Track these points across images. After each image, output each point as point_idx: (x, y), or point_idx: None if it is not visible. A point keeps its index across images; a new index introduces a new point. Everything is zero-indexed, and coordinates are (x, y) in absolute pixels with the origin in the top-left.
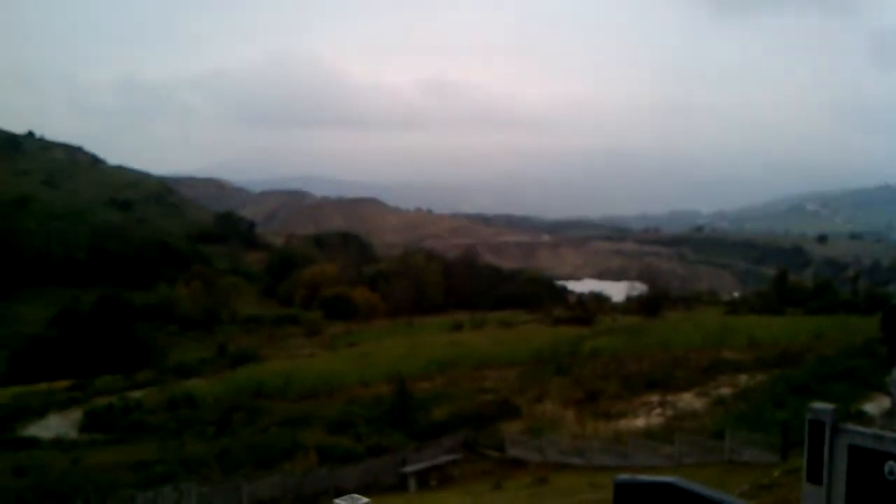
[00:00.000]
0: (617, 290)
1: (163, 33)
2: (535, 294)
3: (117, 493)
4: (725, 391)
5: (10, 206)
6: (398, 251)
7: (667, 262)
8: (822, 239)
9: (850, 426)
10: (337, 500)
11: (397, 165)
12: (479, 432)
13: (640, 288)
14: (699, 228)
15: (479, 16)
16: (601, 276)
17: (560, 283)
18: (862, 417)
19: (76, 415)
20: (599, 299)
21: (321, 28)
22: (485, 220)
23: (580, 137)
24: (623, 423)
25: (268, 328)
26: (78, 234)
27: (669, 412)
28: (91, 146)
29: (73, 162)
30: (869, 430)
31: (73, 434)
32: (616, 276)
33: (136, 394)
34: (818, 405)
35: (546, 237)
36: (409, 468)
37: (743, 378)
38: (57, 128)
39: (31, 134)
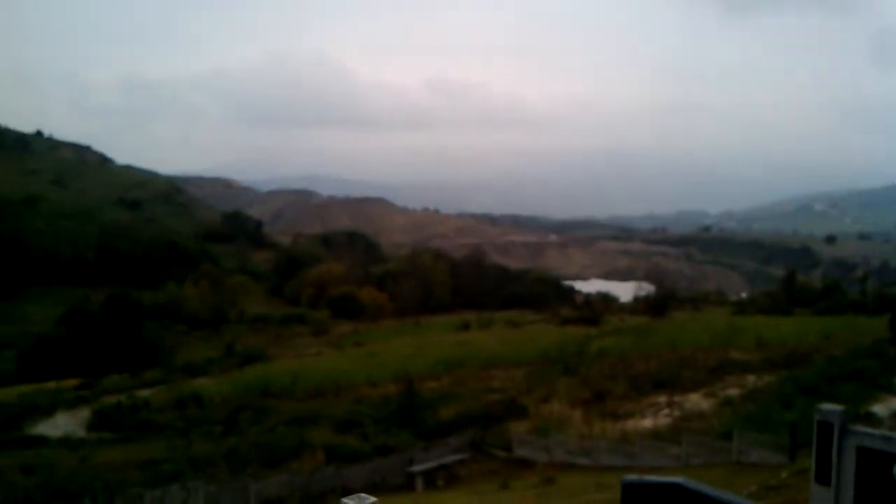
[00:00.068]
0: (624, 291)
1: (168, 33)
2: (542, 294)
3: (125, 492)
4: (733, 392)
5: (18, 205)
6: (405, 251)
7: (674, 262)
8: (830, 239)
9: (859, 428)
10: (344, 500)
11: (403, 165)
12: (487, 432)
13: (647, 288)
14: (707, 228)
15: (480, 15)
16: (608, 276)
17: (567, 283)
18: (871, 419)
19: (84, 413)
20: (607, 299)
21: (325, 28)
22: (491, 219)
23: (586, 137)
24: (630, 424)
25: (275, 327)
26: (86, 234)
27: (677, 413)
28: (97, 146)
29: (81, 161)
30: (878, 432)
31: (81, 433)
32: (623, 276)
33: (144, 393)
34: (827, 406)
35: (553, 237)
36: (416, 468)
37: (751, 379)
38: (63, 127)
39: (39, 133)
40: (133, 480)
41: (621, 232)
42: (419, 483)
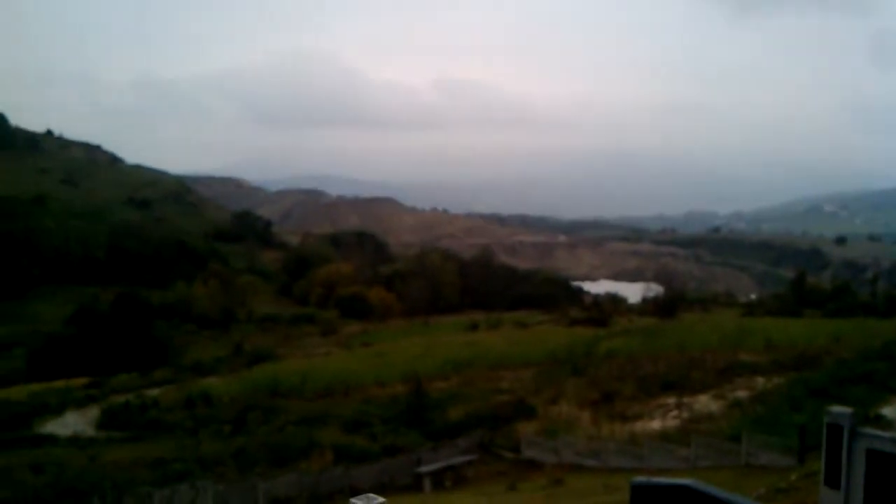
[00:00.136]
0: (633, 291)
1: (178, 33)
2: (550, 294)
3: (134, 491)
4: (742, 394)
5: (29, 204)
6: (414, 251)
7: (683, 263)
8: (840, 240)
9: (869, 430)
10: (353, 500)
11: (412, 165)
12: (495, 433)
13: (656, 289)
14: (716, 229)
15: (481, 15)
16: (617, 276)
17: (576, 283)
18: (880, 421)
19: (93, 412)
20: (615, 300)
21: (335, 27)
22: (500, 220)
23: (597, 137)
24: (639, 425)
25: (284, 327)
26: (96, 233)
27: (685, 414)
28: (107, 145)
29: (91, 161)
30: (887, 434)
31: (90, 431)
32: (632, 276)
33: (154, 392)
34: (836, 409)
35: (562, 237)
36: (424, 468)
37: (760, 381)
38: (73, 127)
39: (49, 133)
40: (142, 479)
41: (631, 233)
42: (427, 484)
